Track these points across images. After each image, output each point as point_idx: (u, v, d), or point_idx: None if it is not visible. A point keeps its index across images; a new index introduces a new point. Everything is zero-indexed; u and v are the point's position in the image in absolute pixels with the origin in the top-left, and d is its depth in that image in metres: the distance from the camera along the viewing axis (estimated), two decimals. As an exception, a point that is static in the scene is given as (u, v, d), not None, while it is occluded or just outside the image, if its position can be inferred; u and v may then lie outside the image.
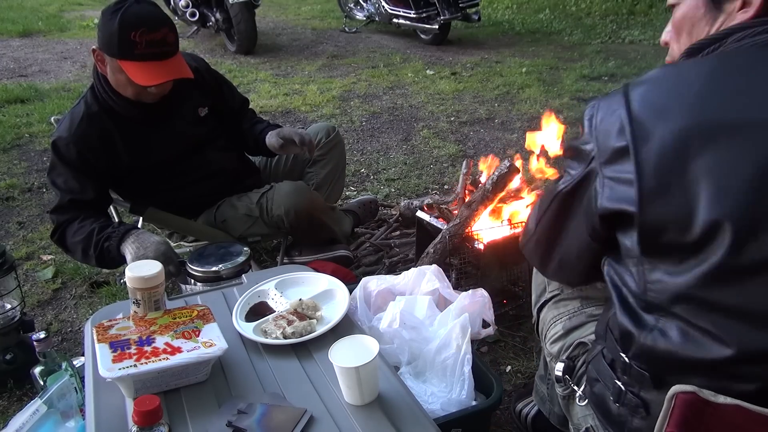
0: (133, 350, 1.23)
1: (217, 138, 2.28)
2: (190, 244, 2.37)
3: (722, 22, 1.00)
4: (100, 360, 1.20)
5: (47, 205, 3.17)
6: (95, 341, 1.27)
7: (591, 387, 1.12)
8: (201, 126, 2.21)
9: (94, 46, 1.94)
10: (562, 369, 1.26)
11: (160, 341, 1.26)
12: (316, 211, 2.32)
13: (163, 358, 1.20)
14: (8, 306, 2.01)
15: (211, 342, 1.26)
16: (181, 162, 2.18)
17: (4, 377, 1.97)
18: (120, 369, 1.17)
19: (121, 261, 1.93)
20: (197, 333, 1.29)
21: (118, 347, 1.23)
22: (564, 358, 1.29)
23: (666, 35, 1.14)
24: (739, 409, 0.83)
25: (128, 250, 1.88)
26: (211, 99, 2.24)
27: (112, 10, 1.88)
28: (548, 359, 1.41)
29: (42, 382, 1.68)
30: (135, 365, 1.18)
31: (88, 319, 1.53)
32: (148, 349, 1.23)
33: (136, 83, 1.89)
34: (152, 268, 1.35)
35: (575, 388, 1.22)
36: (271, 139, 2.21)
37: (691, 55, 1.01)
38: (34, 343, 1.71)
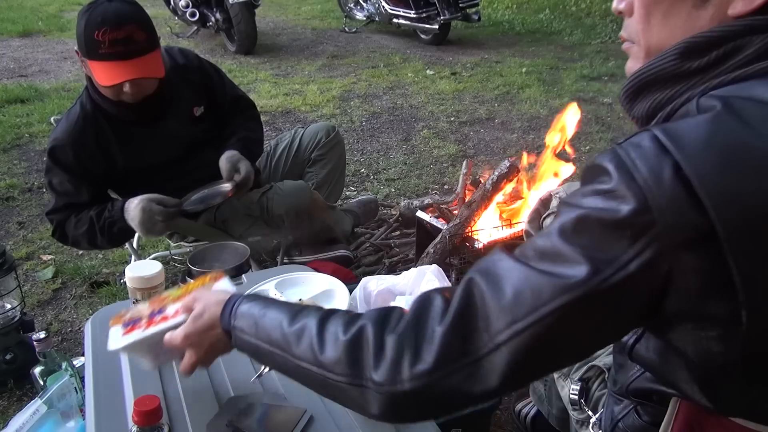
0: (143, 322, 1.15)
1: (216, 137, 2.24)
2: (191, 244, 2.37)
3: (716, 9, 0.73)
4: (110, 339, 1.14)
5: (47, 205, 3.16)
6: (108, 326, 1.19)
7: None
8: (196, 126, 2.17)
9: (76, 48, 1.94)
10: (577, 391, 1.18)
11: (172, 308, 1.16)
12: (317, 211, 2.32)
13: (173, 318, 1.11)
14: (8, 306, 2.01)
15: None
16: (177, 163, 2.16)
17: (4, 377, 1.97)
18: (127, 338, 1.11)
19: (130, 229, 1.99)
20: None
21: (130, 324, 1.17)
22: (576, 379, 1.24)
23: (621, 4, 0.82)
24: (741, 428, 0.80)
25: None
26: (206, 97, 2.19)
27: (84, 10, 1.87)
28: (556, 376, 1.36)
29: (42, 382, 1.68)
30: (143, 331, 1.11)
31: (88, 319, 1.53)
32: (158, 317, 1.15)
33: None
34: (152, 268, 1.36)
35: (591, 414, 1.15)
36: (222, 162, 2.09)
37: (690, 58, 0.73)
38: (34, 343, 1.71)
